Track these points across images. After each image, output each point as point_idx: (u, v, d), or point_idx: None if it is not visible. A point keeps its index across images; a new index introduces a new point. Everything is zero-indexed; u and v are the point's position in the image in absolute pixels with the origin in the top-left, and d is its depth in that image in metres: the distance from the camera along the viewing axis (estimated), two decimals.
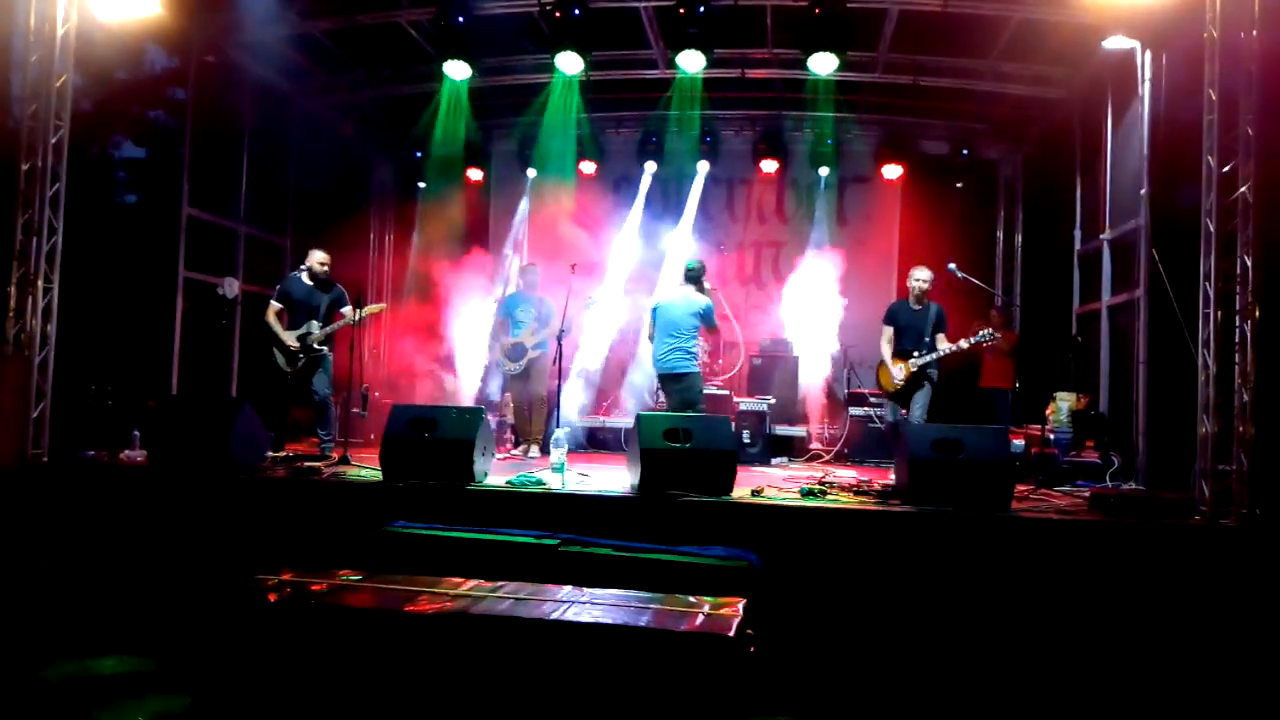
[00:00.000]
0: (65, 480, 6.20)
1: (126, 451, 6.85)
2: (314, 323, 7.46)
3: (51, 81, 6.54)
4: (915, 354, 7.41)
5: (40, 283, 6.55)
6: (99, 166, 8.54)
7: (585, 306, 8.43)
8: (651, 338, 7.52)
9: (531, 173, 11.86)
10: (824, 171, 11.51)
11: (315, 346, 7.43)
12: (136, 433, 6.99)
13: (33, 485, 6.22)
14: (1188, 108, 6.28)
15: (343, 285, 7.71)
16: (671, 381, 7.41)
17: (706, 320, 7.33)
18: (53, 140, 6.58)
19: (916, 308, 7.58)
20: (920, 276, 7.61)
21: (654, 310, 7.57)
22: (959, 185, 11.22)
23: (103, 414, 7.32)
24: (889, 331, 7.66)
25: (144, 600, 5.81)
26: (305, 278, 7.58)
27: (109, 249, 8.00)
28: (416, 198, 12.06)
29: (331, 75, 10.09)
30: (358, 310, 7.24)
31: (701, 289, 7.47)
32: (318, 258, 7.58)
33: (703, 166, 11.63)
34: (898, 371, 7.48)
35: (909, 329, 7.53)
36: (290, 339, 7.42)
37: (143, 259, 8.52)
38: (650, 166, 11.65)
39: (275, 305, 7.55)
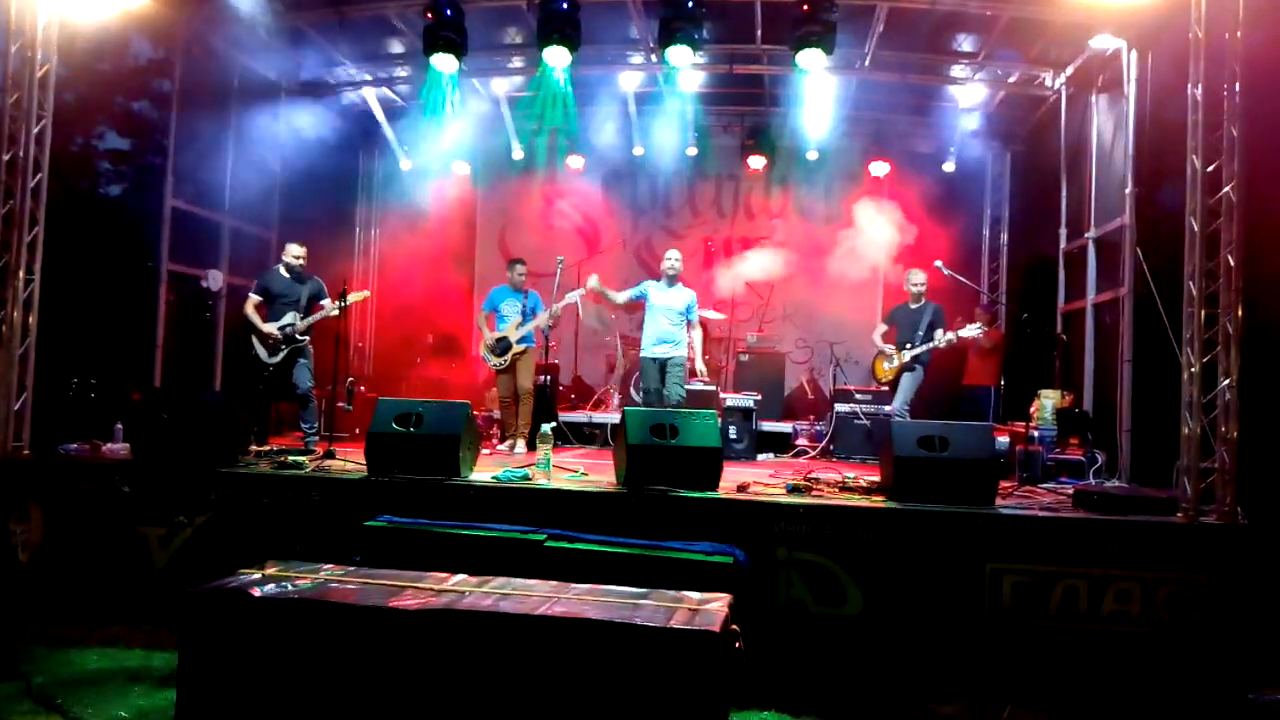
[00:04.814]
0: (47, 473, 6.15)
1: (109, 445, 6.79)
2: (294, 314, 7.48)
3: (34, 71, 6.48)
4: (908, 345, 7.91)
5: (21, 274, 6.48)
6: (82, 157, 8.44)
7: (566, 300, 8.36)
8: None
9: (519, 159, 11.82)
10: (811, 168, 11.52)
11: (296, 338, 7.48)
12: (119, 426, 6.94)
13: (14, 478, 6.17)
14: (1173, 107, 6.32)
15: (330, 276, 7.73)
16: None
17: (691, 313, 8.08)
18: (35, 130, 6.51)
19: (914, 306, 8.09)
20: (914, 279, 8.14)
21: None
22: (945, 183, 11.25)
23: (85, 407, 7.27)
24: (882, 329, 8.27)
25: (126, 594, 5.78)
26: (284, 271, 7.65)
27: (91, 240, 7.92)
28: (404, 190, 12.00)
29: (319, 67, 10.02)
30: (342, 299, 7.23)
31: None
32: (293, 251, 7.67)
33: (690, 162, 11.64)
34: (890, 355, 8.04)
35: (905, 326, 8.05)
36: (271, 330, 7.44)
37: (126, 251, 8.45)
38: (638, 159, 11.64)
39: (255, 298, 7.59)
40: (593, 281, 8.13)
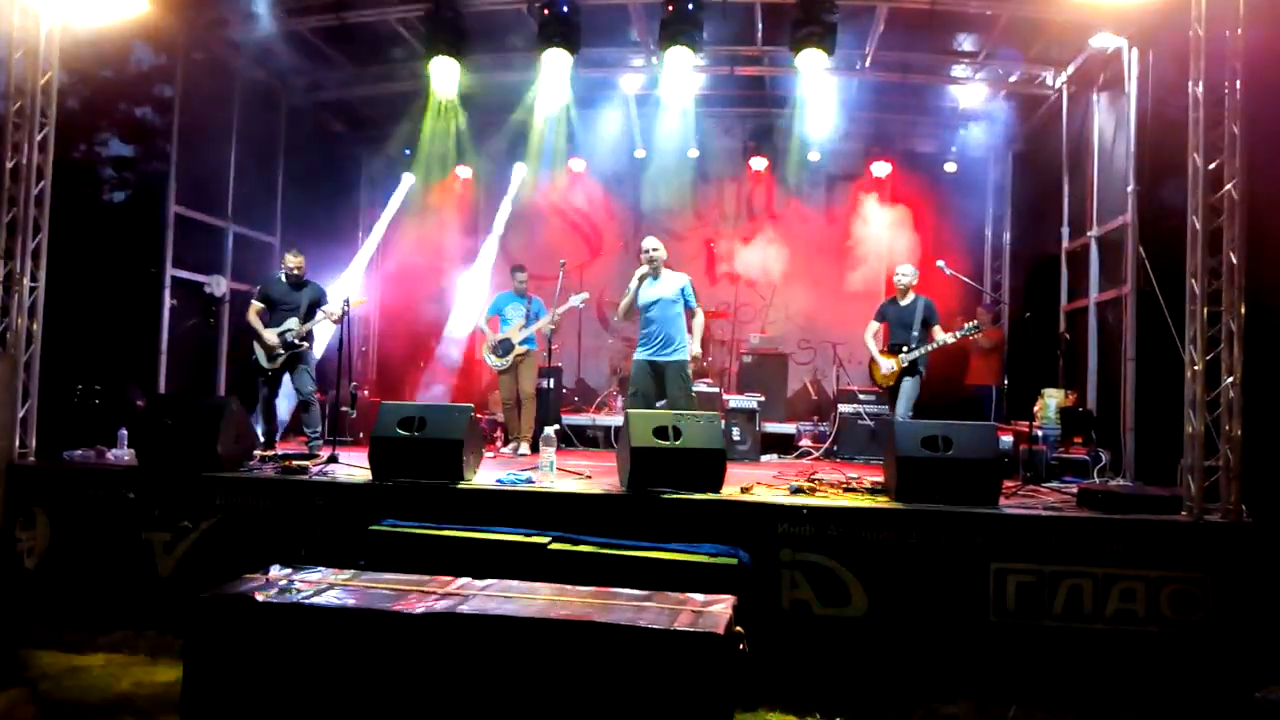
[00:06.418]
0: (52, 480, 6.16)
1: (114, 451, 6.81)
2: (293, 320, 7.57)
3: (36, 78, 6.50)
4: (905, 348, 7.49)
5: (26, 281, 6.51)
6: (85, 164, 8.48)
7: (569, 304, 8.35)
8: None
9: (521, 169, 11.82)
10: (813, 169, 11.54)
11: (295, 343, 7.56)
12: (124, 432, 6.97)
13: (19, 485, 6.18)
14: (1174, 105, 6.30)
15: (333, 282, 7.78)
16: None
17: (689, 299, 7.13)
18: (38, 137, 6.54)
19: (903, 303, 7.65)
20: (903, 272, 7.72)
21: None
22: (947, 183, 11.26)
23: (90, 413, 7.30)
24: (874, 327, 7.78)
25: (132, 600, 5.79)
26: (284, 278, 7.78)
27: (95, 247, 7.96)
28: (406, 195, 12.00)
29: (320, 73, 10.04)
30: (345, 304, 7.27)
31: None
32: (291, 260, 7.79)
33: (692, 164, 11.66)
34: (888, 365, 7.56)
35: (897, 324, 7.63)
36: (270, 337, 7.55)
37: (129, 257, 8.47)
38: (640, 161, 11.64)
39: (256, 305, 7.75)
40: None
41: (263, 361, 7.61)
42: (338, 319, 7.37)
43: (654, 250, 7.06)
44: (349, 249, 11.54)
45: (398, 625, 3.57)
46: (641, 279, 7.06)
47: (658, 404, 7.04)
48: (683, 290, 7.06)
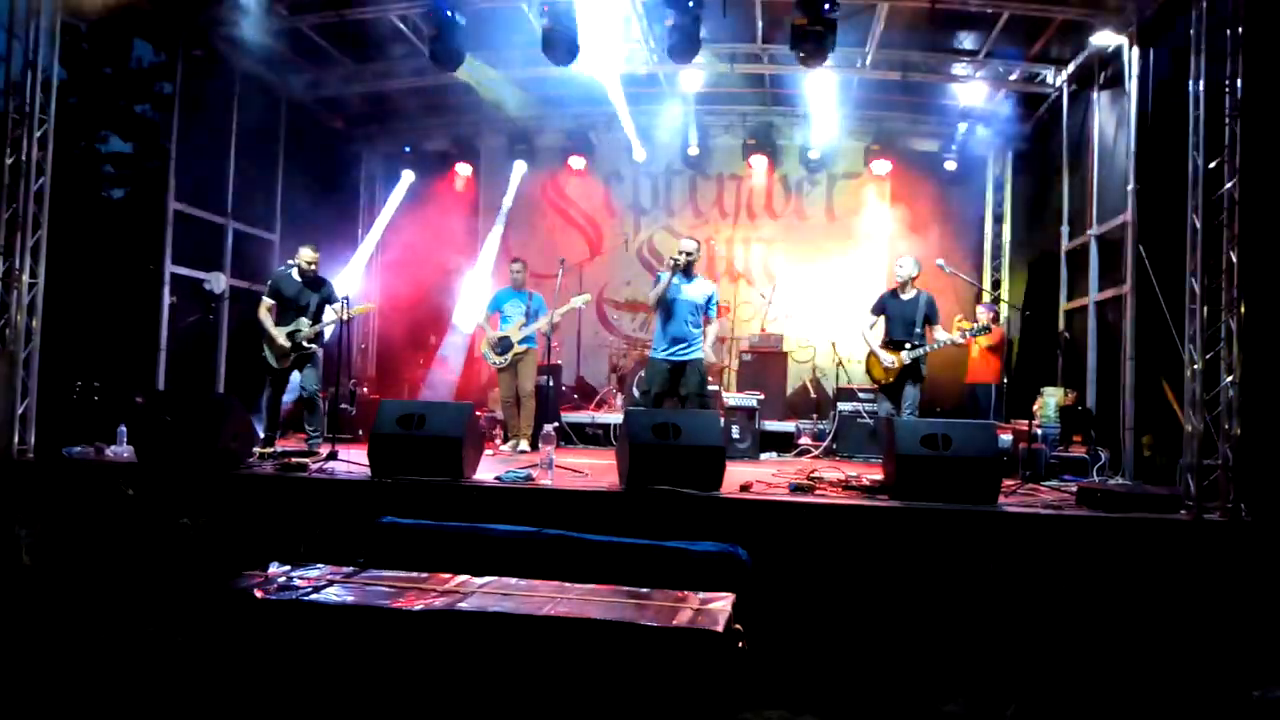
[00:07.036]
0: (51, 477, 6.16)
1: (113, 448, 6.81)
2: (303, 320, 7.48)
3: (36, 74, 6.50)
4: (906, 345, 7.24)
5: (25, 278, 6.51)
6: (85, 160, 8.50)
7: (570, 305, 8.34)
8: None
9: (521, 167, 11.82)
10: (813, 167, 11.55)
11: (305, 344, 7.47)
12: (123, 428, 6.95)
13: (19, 482, 6.18)
14: (1174, 104, 6.31)
15: (333, 279, 7.72)
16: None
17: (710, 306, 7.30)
18: (37, 134, 6.54)
19: (904, 297, 7.42)
20: (903, 264, 7.51)
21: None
22: (947, 181, 11.26)
23: (89, 410, 7.29)
24: (871, 320, 7.56)
25: (130, 597, 5.79)
26: (295, 274, 7.60)
27: (95, 243, 7.97)
28: (406, 193, 12.01)
29: (320, 69, 10.03)
30: (346, 308, 7.26)
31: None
32: (306, 255, 7.59)
33: (692, 162, 11.66)
34: (889, 359, 7.29)
35: (897, 319, 7.38)
36: (280, 336, 7.44)
37: (129, 254, 8.47)
38: (640, 160, 11.65)
39: (267, 301, 7.54)
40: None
41: (271, 361, 7.50)
42: (346, 319, 7.33)
43: (690, 254, 7.21)
44: (349, 246, 11.54)
45: (397, 622, 3.56)
46: (673, 271, 7.18)
47: (668, 403, 7.15)
48: (709, 298, 7.26)
